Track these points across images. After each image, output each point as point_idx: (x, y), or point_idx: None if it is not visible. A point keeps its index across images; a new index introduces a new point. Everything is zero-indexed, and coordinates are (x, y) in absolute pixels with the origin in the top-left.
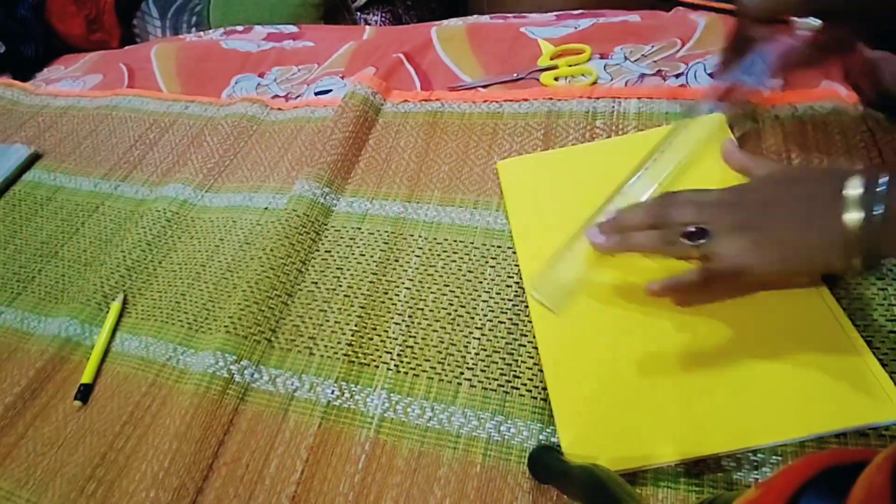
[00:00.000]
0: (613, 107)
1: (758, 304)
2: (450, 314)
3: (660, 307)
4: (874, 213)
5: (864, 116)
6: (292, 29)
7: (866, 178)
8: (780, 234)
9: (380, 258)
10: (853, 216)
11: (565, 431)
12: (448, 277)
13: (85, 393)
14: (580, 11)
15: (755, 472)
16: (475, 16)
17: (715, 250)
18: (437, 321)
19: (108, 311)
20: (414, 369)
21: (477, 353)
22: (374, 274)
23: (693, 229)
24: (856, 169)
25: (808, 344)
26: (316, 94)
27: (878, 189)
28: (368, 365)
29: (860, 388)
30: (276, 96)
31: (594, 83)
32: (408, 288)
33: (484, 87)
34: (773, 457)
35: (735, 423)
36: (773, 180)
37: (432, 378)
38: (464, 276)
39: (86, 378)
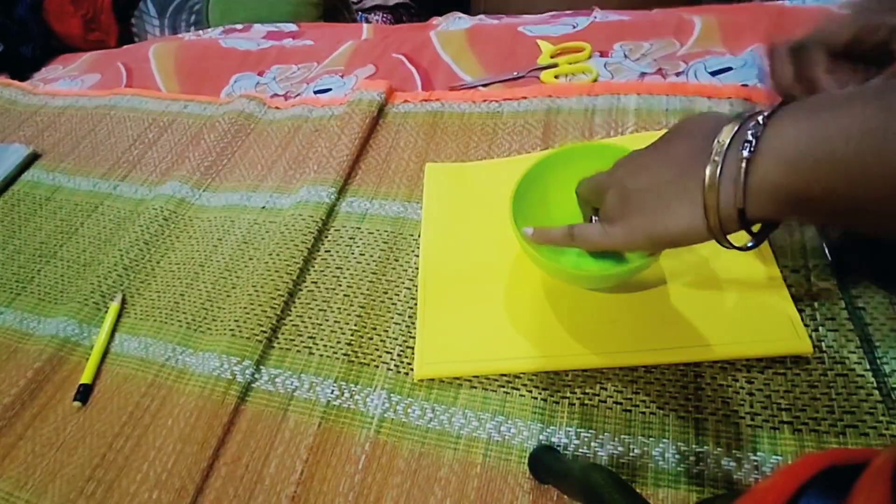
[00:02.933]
0: (612, 103)
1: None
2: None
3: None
4: (741, 154)
5: None
6: (292, 28)
7: (743, 121)
8: (643, 204)
9: (379, 258)
10: (710, 169)
11: (422, 349)
12: None
13: (84, 393)
14: (572, 11)
15: (755, 472)
16: (470, 17)
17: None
18: None
19: (106, 311)
20: (414, 370)
21: None
22: (373, 273)
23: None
24: (743, 112)
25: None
26: (315, 92)
27: (749, 130)
28: (368, 365)
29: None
30: (276, 95)
31: (595, 81)
32: (408, 288)
33: (484, 85)
34: (774, 457)
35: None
36: (660, 140)
37: (433, 379)
38: None
39: (85, 378)
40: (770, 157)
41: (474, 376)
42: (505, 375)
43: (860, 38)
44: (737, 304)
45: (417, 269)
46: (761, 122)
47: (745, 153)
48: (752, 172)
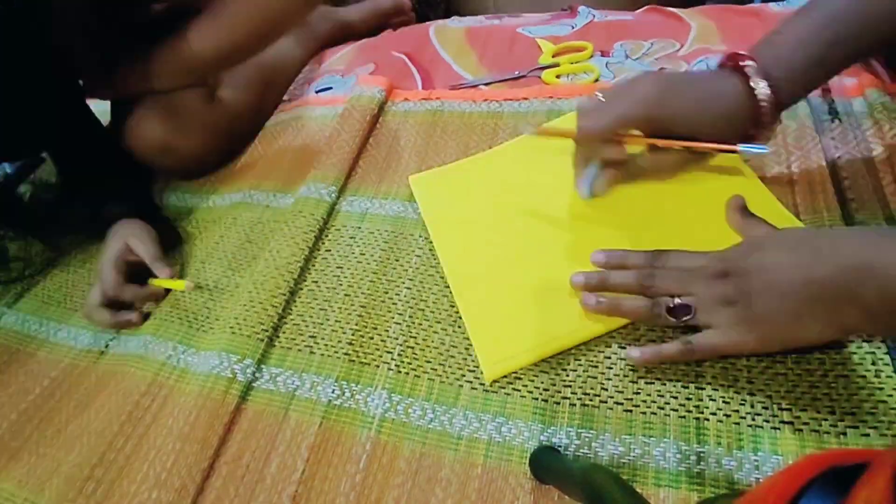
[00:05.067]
0: None
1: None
2: (451, 315)
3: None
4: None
5: (871, 110)
6: None
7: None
8: (765, 307)
9: (380, 257)
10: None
11: (484, 353)
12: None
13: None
14: (568, 9)
15: (756, 472)
16: (469, 17)
17: (699, 325)
18: (438, 322)
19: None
20: (415, 370)
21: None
22: (374, 273)
23: (676, 303)
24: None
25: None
26: (317, 92)
27: None
28: (369, 364)
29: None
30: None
31: (596, 80)
32: (408, 288)
33: (486, 84)
34: (774, 457)
35: None
36: (759, 244)
37: (433, 379)
38: None
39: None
40: None
41: (535, 364)
42: (505, 377)
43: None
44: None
45: (417, 268)
46: None
47: None
48: None
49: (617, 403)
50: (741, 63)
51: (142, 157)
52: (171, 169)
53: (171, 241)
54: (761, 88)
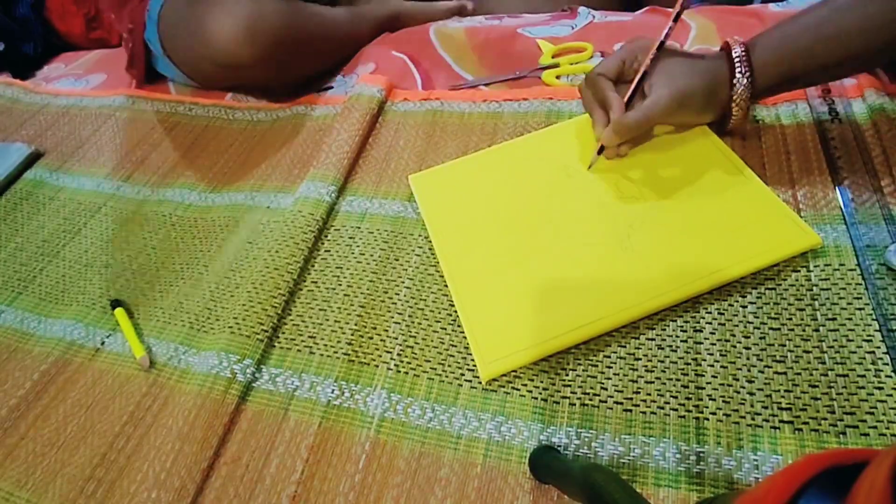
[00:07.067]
0: None
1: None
2: (450, 314)
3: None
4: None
5: (870, 111)
6: None
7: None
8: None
9: (379, 257)
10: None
11: (480, 352)
12: None
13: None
14: (568, 10)
15: (755, 471)
16: (469, 17)
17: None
18: (438, 321)
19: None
20: (414, 369)
21: None
22: (373, 273)
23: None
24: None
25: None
26: (317, 91)
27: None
28: (368, 364)
29: (775, 225)
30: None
31: None
32: (408, 287)
33: (486, 85)
34: (774, 456)
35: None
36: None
37: (433, 379)
38: None
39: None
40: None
41: (533, 363)
42: (505, 375)
43: (623, 70)
44: (736, 223)
45: (417, 268)
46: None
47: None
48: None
49: (616, 403)
50: (732, 50)
51: (218, 50)
52: (245, 66)
53: None
54: (740, 75)
